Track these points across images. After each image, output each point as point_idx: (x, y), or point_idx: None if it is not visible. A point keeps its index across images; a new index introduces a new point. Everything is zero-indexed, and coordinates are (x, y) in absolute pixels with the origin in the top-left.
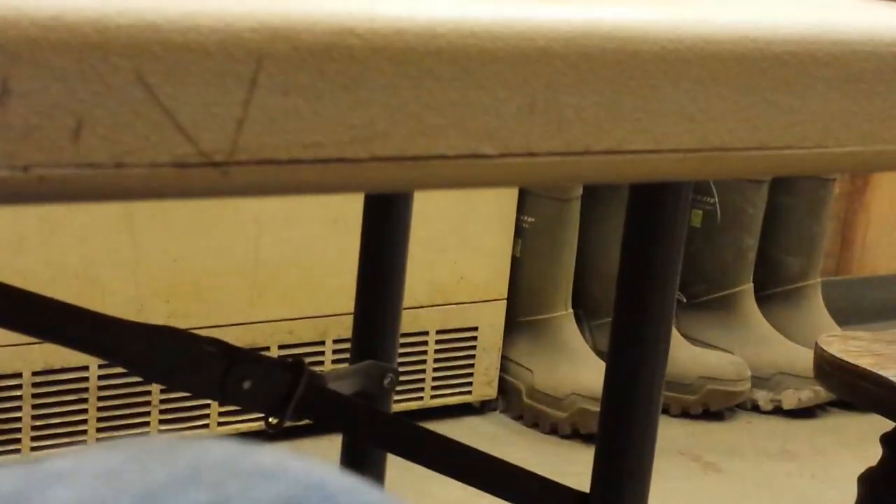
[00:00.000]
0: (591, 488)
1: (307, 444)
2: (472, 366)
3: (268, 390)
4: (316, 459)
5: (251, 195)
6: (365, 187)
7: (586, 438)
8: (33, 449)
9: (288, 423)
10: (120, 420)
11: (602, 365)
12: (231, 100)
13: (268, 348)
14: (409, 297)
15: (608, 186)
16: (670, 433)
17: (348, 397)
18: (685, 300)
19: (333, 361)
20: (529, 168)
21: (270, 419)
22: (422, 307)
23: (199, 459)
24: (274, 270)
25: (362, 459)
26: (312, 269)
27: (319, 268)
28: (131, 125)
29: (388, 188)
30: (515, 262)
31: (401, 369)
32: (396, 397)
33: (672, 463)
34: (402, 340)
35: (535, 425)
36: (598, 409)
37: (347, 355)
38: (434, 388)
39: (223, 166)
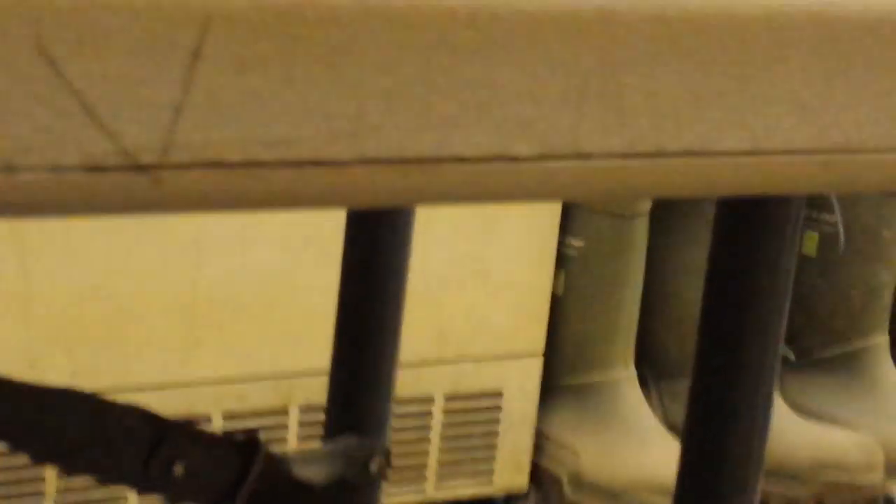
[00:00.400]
0: None
1: None
2: (494, 445)
3: (209, 478)
4: None
5: (191, 210)
6: (349, 200)
7: None
8: None
9: None
10: None
11: (676, 445)
12: (165, 79)
13: (209, 418)
14: (407, 350)
15: (687, 201)
16: None
17: (321, 488)
18: (794, 357)
19: (301, 438)
20: (578, 174)
21: None
22: (425, 363)
23: None
24: (219, 311)
25: None
26: (272, 311)
27: (282, 308)
28: (27, 114)
29: (381, 201)
30: (557, 303)
31: (395, 449)
32: (390, 489)
33: None
34: (398, 410)
35: None
36: None
37: (320, 429)
38: (441, 475)
39: (153, 170)
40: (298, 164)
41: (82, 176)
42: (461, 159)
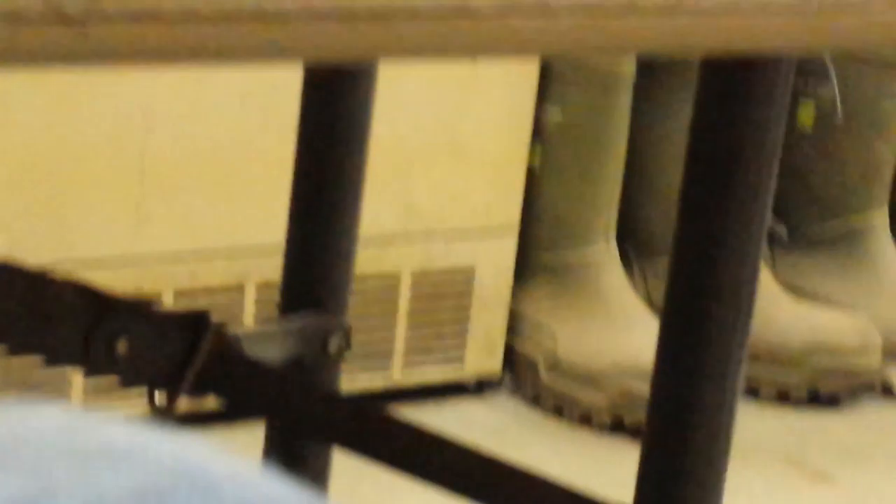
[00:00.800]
0: (636, 501)
1: (213, 434)
2: (465, 326)
3: (155, 355)
4: (197, 440)
5: (124, 64)
6: (302, 54)
7: (633, 432)
8: None
9: (185, 408)
10: None
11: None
12: None
13: (159, 297)
14: (370, 223)
15: (672, 67)
16: (760, 428)
17: (275, 368)
18: (786, 235)
19: (257, 318)
20: (544, 30)
21: (157, 397)
22: (392, 239)
23: (17, 432)
24: (169, 182)
25: (296, 458)
26: (227, 182)
27: (237, 179)
28: None
29: (334, 56)
30: (533, 175)
31: (359, 331)
32: (350, 370)
33: (762, 471)
34: (362, 288)
35: (558, 413)
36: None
37: (275, 306)
38: (408, 357)
39: (80, 24)
40: (238, 16)
41: (4, 29)
42: (415, 14)
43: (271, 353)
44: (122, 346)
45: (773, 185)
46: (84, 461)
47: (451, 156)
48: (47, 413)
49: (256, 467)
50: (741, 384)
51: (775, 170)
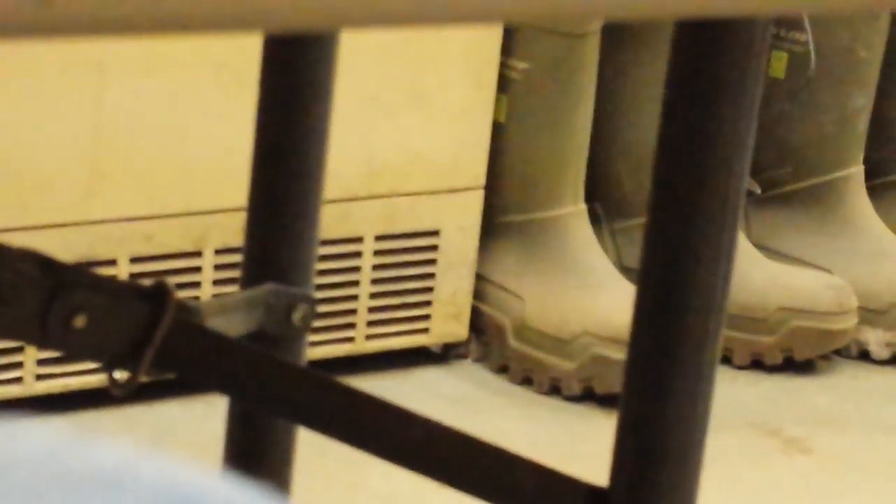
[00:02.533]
0: (611, 479)
1: (173, 409)
2: (430, 290)
3: (113, 329)
4: (187, 463)
5: (83, 34)
6: (266, 25)
7: (605, 402)
8: None
9: (144, 379)
10: None
11: (631, 289)
12: None
13: (114, 262)
14: (333, 185)
15: None
16: (734, 394)
17: (237, 340)
18: (759, 190)
19: (215, 283)
20: None
21: (116, 373)
22: (353, 200)
23: (7, 455)
24: (124, 143)
25: (258, 435)
26: (184, 142)
27: (195, 139)
28: None
29: (297, 26)
30: (499, 132)
31: (320, 296)
32: (314, 338)
33: (737, 439)
34: (323, 251)
35: (526, 382)
36: (623, 356)
37: (236, 274)
38: (372, 324)
39: None
40: None
41: None
42: None
43: (234, 324)
44: (79, 321)
45: (751, 142)
46: (75, 486)
47: (413, 111)
48: (36, 434)
49: (248, 491)
50: (719, 348)
51: (754, 126)
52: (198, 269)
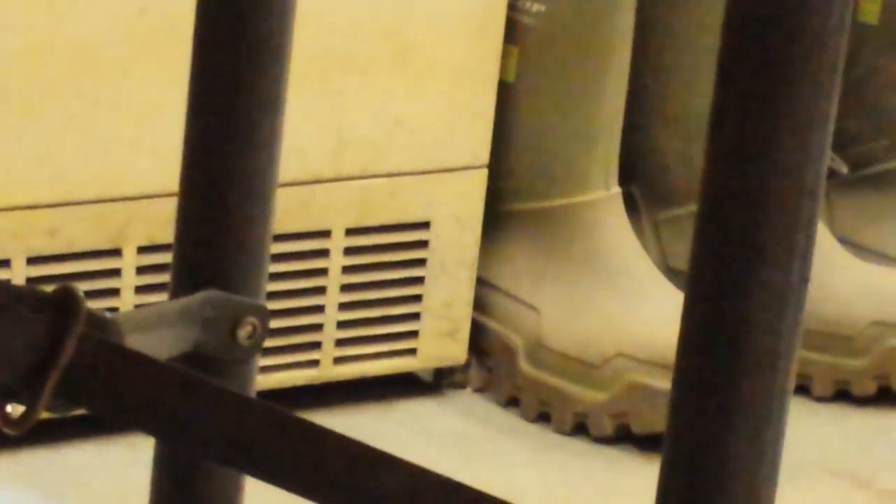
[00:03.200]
0: None
1: (84, 454)
2: (417, 299)
3: (5, 349)
4: None
5: None
6: None
7: (644, 443)
8: None
9: (46, 415)
10: None
11: (678, 298)
12: None
13: (7, 262)
14: (291, 163)
15: None
16: (813, 434)
17: (166, 364)
18: (846, 170)
19: (138, 290)
20: None
21: (9, 406)
22: (318, 182)
23: None
24: (17, 102)
25: (193, 487)
26: (96, 107)
27: (109, 103)
28: None
29: None
30: (506, 94)
31: (274, 306)
32: (266, 362)
33: (815, 492)
34: (279, 249)
35: (542, 418)
36: (667, 385)
37: (164, 279)
38: (342, 343)
39: None
40: None
41: None
42: None
43: (162, 344)
44: None
45: (833, 109)
46: None
47: (396, 68)
48: None
49: None
50: (792, 376)
51: (838, 88)
52: (115, 272)
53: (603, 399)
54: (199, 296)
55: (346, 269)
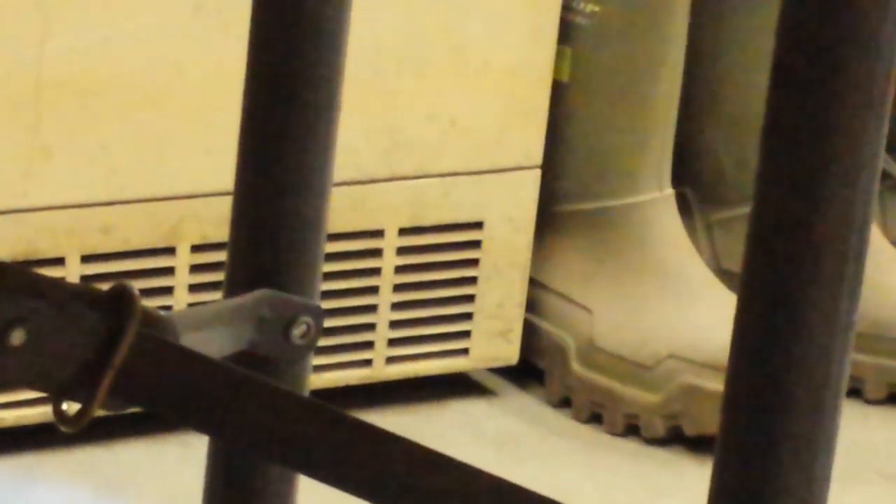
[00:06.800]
0: None
1: (137, 452)
2: (470, 299)
3: (60, 348)
4: None
5: None
6: None
7: (696, 445)
8: None
9: (100, 413)
10: None
11: (731, 299)
12: None
13: (62, 260)
14: (346, 163)
15: None
16: (866, 437)
17: (221, 362)
18: None
19: (192, 288)
20: None
21: (64, 404)
22: (371, 182)
23: None
24: (74, 106)
25: (247, 486)
26: (151, 106)
27: (165, 101)
28: None
29: None
30: (560, 95)
31: (327, 306)
32: (320, 361)
33: (868, 496)
34: (333, 249)
35: (594, 419)
36: (720, 387)
37: (219, 277)
38: (394, 343)
39: None
40: None
41: None
42: None
43: (216, 343)
44: (17, 336)
45: (888, 110)
46: None
47: (449, 69)
48: None
49: None
50: (845, 381)
51: (892, 89)
52: (169, 271)
53: (655, 400)
54: (254, 295)
55: (399, 269)
